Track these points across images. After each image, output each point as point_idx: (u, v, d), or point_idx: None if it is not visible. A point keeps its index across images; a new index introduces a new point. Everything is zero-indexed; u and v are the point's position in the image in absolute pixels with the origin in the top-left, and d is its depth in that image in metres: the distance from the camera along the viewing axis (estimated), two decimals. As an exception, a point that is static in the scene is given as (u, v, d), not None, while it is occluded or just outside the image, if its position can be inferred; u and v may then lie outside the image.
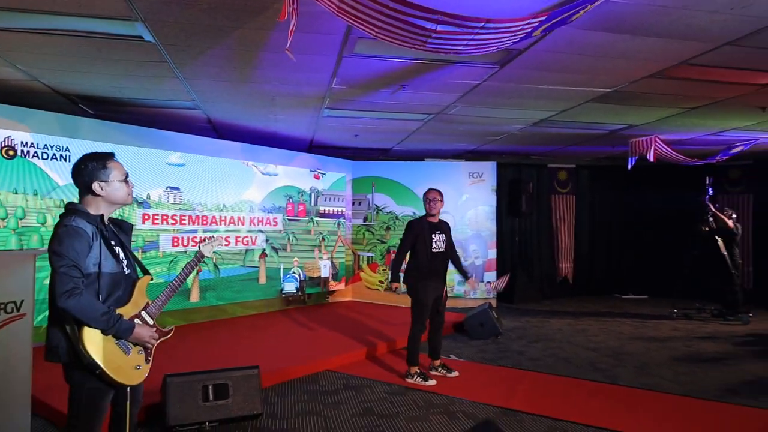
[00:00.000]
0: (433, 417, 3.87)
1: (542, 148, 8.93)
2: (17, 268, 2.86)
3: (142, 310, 2.35)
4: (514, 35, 2.97)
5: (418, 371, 4.71)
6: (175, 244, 6.71)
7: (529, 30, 2.94)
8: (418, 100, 5.73)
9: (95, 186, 2.26)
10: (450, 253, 4.95)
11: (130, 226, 2.57)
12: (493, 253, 8.94)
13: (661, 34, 3.75)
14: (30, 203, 5.45)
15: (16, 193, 5.37)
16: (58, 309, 2.07)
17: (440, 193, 4.90)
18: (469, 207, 8.93)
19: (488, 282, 8.83)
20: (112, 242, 2.31)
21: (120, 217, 2.55)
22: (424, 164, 9.44)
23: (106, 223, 2.33)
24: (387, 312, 7.93)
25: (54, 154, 5.63)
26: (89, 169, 2.28)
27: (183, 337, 5.96)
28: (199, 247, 2.64)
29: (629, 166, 7.86)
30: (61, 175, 5.66)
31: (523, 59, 4.33)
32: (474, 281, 5.06)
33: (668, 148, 7.58)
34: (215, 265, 7.17)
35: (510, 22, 2.81)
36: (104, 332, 2.13)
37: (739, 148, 8.02)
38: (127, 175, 2.39)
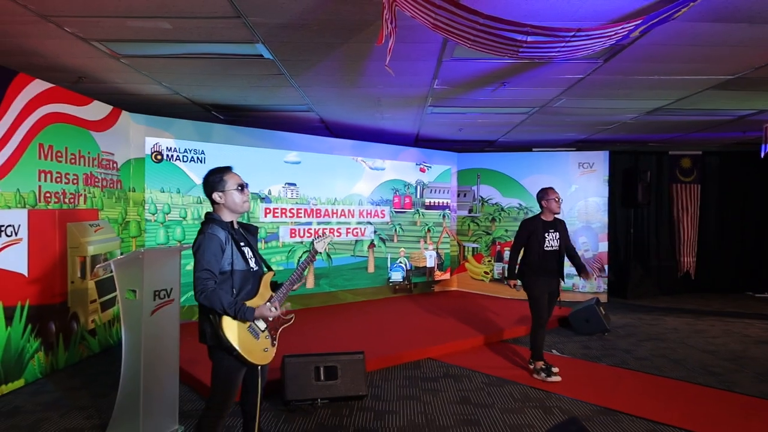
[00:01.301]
0: (529, 410, 3.99)
1: (661, 135, 8.40)
2: (167, 262, 3.45)
3: (267, 302, 2.71)
4: (609, 39, 2.97)
5: (543, 366, 4.72)
6: (293, 235, 7.36)
7: (625, 33, 2.92)
8: (521, 95, 5.74)
9: (215, 196, 2.67)
10: (567, 251, 4.93)
11: (256, 229, 2.99)
12: (604, 246, 8.61)
13: (785, 19, 3.48)
14: (174, 200, 6.31)
15: (163, 191, 6.25)
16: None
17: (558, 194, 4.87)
18: (579, 198, 8.67)
19: (599, 276, 8.55)
20: (242, 243, 2.71)
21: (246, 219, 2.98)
22: (531, 155, 9.28)
23: (236, 227, 2.76)
24: (491, 303, 8.03)
25: (192, 157, 6.45)
26: (210, 182, 2.70)
27: (300, 320, 6.54)
28: (312, 243, 2.95)
29: (762, 154, 7.17)
30: (198, 175, 6.47)
31: (628, 53, 4.21)
32: (590, 275, 4.93)
33: (810, 133, 6.80)
34: (328, 255, 7.74)
35: (603, 29, 2.82)
36: (234, 318, 2.55)
37: None
38: (242, 185, 2.72)
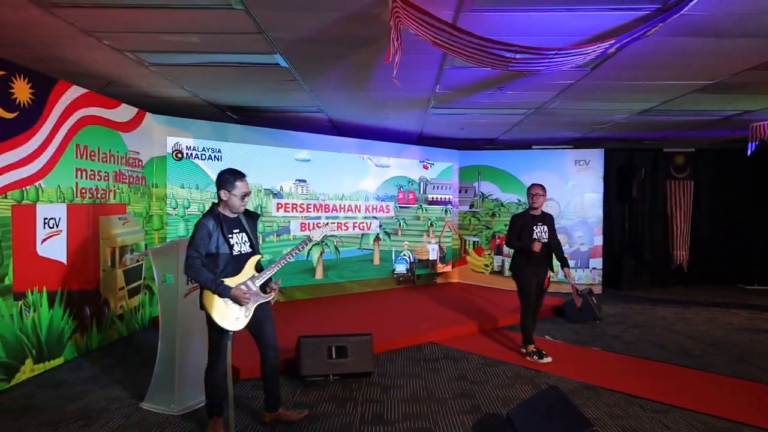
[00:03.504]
0: (519, 386, 4.42)
1: (655, 134, 8.78)
2: (198, 251, 3.91)
3: (248, 279, 3.28)
4: (587, 56, 3.38)
5: (534, 349, 5.14)
6: (303, 228, 7.80)
7: (600, 51, 3.33)
8: (517, 98, 6.14)
9: (222, 193, 3.27)
10: (552, 243, 5.30)
11: (258, 216, 3.56)
12: (599, 240, 9.02)
13: (749, 34, 3.87)
14: (193, 196, 6.76)
15: (183, 187, 6.69)
16: None
17: (543, 188, 5.23)
18: (575, 194, 9.07)
19: (593, 268, 8.96)
20: (235, 231, 3.29)
21: (256, 208, 3.57)
22: (530, 152, 9.69)
23: (231, 217, 3.31)
24: (490, 294, 8.47)
25: (210, 155, 6.90)
26: (223, 180, 3.28)
27: (310, 308, 7.04)
28: (311, 232, 3.47)
29: (749, 152, 7.55)
30: (215, 172, 6.88)
31: (612, 62, 4.61)
32: (568, 272, 5.30)
33: (793, 133, 7.17)
34: (336, 248, 8.19)
35: (580, 48, 3.23)
36: (213, 292, 3.13)
37: None
38: (245, 194, 3.29)
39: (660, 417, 3.80)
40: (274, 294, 3.39)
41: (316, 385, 4.36)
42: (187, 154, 6.71)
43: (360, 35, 4.05)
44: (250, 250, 3.35)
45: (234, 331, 3.23)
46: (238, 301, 3.18)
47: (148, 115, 6.31)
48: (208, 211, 3.32)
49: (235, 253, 3.27)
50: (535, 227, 5.14)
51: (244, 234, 3.34)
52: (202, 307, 3.21)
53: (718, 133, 8.55)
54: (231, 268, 3.24)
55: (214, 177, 6.85)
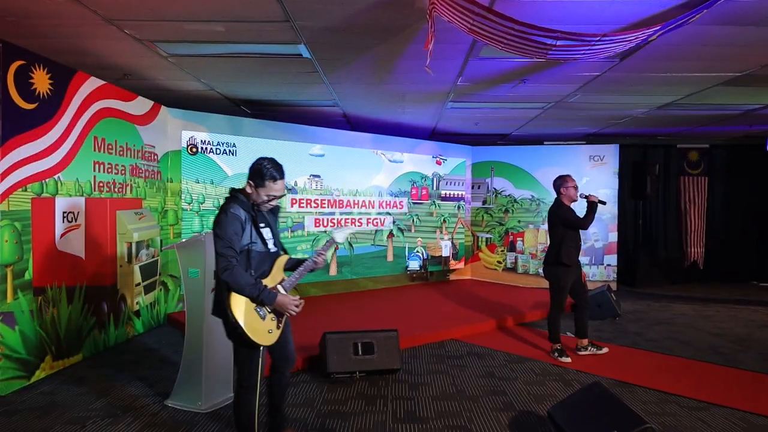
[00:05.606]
0: (549, 383, 4.33)
1: (669, 129, 8.68)
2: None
3: (279, 284, 2.74)
4: (630, 43, 3.28)
5: (558, 347, 5.02)
6: (317, 224, 7.71)
7: (644, 37, 3.23)
8: (538, 91, 6.04)
9: (248, 184, 2.70)
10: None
11: (278, 209, 2.94)
12: (613, 236, 8.93)
13: (789, 23, 3.77)
14: (208, 190, 6.66)
15: (198, 182, 6.59)
16: (220, 280, 2.62)
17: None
18: (590, 190, 8.90)
19: (608, 265, 8.88)
20: (262, 225, 2.73)
21: None
22: (543, 148, 9.59)
23: (260, 209, 2.74)
24: (504, 290, 8.38)
25: (225, 150, 6.79)
26: (255, 171, 2.68)
27: (325, 304, 6.95)
28: (332, 232, 2.90)
29: (768, 147, 7.48)
30: (230, 166, 6.82)
31: (643, 52, 4.51)
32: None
33: (815, 127, 7.09)
34: (350, 244, 8.09)
35: (625, 34, 3.13)
36: (253, 300, 2.58)
37: None
38: (273, 197, 2.70)
39: (699, 414, 3.71)
40: (302, 302, 2.80)
41: (342, 382, 4.26)
42: (201, 148, 6.61)
43: (389, 23, 3.94)
44: (275, 249, 2.81)
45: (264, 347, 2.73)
46: (283, 310, 2.69)
47: (163, 108, 6.21)
48: (232, 198, 2.70)
49: (272, 249, 2.77)
50: None
51: (268, 229, 2.79)
52: (223, 314, 2.62)
53: (734, 128, 8.46)
54: (267, 267, 2.73)
55: (229, 172, 6.83)
